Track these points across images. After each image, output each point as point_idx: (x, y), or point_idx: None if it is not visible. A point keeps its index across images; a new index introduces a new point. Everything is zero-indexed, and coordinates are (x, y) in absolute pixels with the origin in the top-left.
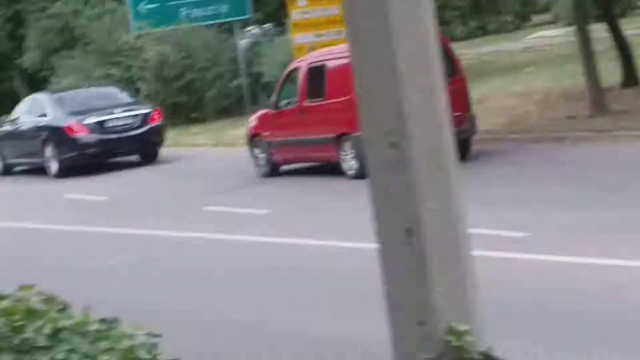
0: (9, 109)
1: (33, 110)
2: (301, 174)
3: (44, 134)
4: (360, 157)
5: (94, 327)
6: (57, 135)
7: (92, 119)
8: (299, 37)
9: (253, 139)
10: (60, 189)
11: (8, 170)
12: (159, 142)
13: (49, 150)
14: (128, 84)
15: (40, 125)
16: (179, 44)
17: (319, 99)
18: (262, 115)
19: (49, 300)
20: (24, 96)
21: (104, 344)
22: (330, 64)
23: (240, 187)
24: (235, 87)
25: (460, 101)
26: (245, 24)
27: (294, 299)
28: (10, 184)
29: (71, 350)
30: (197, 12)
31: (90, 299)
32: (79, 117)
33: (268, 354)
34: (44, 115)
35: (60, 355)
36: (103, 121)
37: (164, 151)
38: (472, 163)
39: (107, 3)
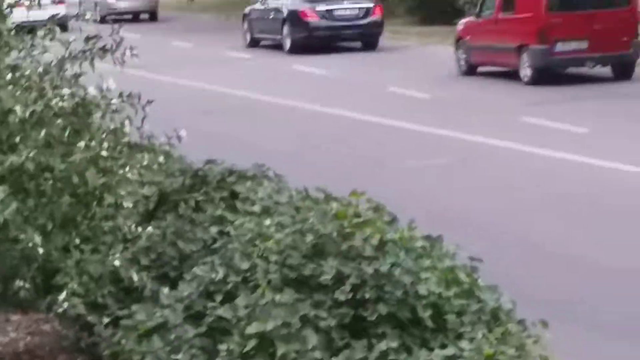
0: None
1: None
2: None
3: (283, 16)
4: (534, 67)
5: (418, 243)
6: (293, 18)
7: (323, 7)
8: None
9: (458, 41)
10: (381, 81)
11: (256, 43)
12: (379, 33)
13: (285, 30)
14: None
15: (281, 7)
16: None
17: (510, 12)
18: (467, 22)
19: (378, 209)
20: None
21: (427, 262)
22: None
23: (557, 100)
24: None
25: (631, 28)
26: None
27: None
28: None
29: (395, 265)
30: None
31: (400, 200)
32: (312, 4)
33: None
34: None
35: (384, 268)
36: (332, 10)
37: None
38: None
39: None
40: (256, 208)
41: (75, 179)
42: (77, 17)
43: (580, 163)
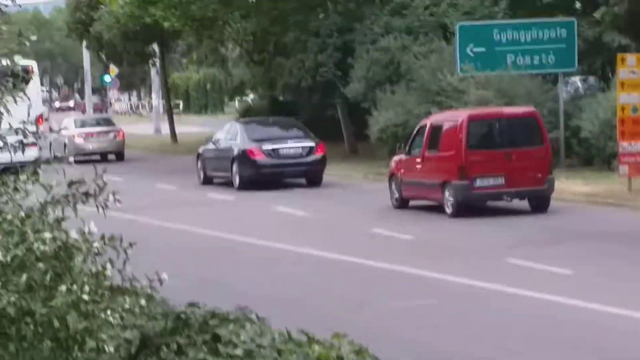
0: (332, 136)
1: (229, 134)
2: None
3: (233, 154)
4: (455, 201)
5: None
6: (242, 157)
7: (269, 146)
8: (624, 97)
9: (391, 177)
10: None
11: (209, 181)
12: (322, 170)
13: (235, 167)
14: None
15: (231, 147)
16: (502, 90)
17: (435, 150)
18: (399, 159)
19: (360, 351)
20: (345, 125)
21: None
22: (446, 125)
23: (536, 241)
24: (553, 139)
25: (545, 166)
26: (569, 74)
27: None
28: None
29: None
30: (523, 60)
31: (383, 342)
32: (259, 144)
33: None
34: (235, 139)
35: None
36: (278, 149)
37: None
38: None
39: (434, 42)
40: (238, 351)
41: (57, 323)
42: (59, 159)
43: (566, 305)
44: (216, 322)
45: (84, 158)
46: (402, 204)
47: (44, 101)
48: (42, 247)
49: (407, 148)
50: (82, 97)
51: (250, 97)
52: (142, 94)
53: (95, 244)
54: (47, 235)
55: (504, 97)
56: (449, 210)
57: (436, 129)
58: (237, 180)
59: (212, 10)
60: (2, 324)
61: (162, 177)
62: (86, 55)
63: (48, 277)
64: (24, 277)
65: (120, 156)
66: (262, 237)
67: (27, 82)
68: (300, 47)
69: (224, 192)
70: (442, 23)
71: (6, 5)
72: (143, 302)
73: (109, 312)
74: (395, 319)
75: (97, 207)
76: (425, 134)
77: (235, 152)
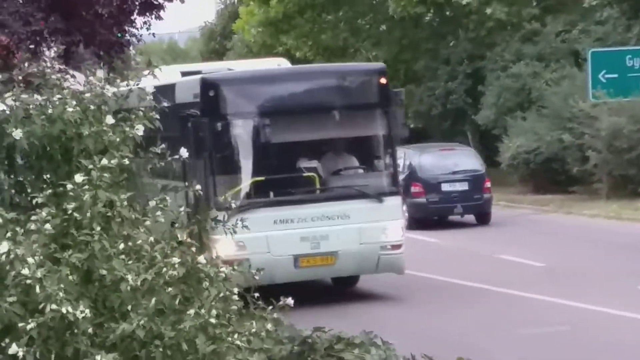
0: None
1: None
2: None
3: None
4: None
5: None
6: None
7: None
8: None
9: None
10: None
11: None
12: None
13: None
14: (577, 151)
15: None
16: (635, 117)
17: None
18: None
19: None
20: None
21: None
22: None
23: None
24: None
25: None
26: None
27: None
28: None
29: None
30: None
31: None
32: None
33: None
34: None
35: None
36: None
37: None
38: None
39: (566, 69)
40: None
41: (185, 346)
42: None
43: None
44: (342, 347)
45: None
46: None
47: None
48: (170, 272)
49: None
50: None
51: None
52: None
53: (223, 269)
54: (176, 260)
55: (636, 123)
56: None
57: None
58: None
59: (342, 40)
60: (132, 346)
61: None
62: None
63: (177, 301)
64: (153, 301)
65: None
66: None
67: None
68: (430, 74)
69: None
70: (573, 49)
71: (140, 37)
72: (269, 326)
73: (236, 335)
74: (525, 345)
75: (224, 232)
76: None
77: None
